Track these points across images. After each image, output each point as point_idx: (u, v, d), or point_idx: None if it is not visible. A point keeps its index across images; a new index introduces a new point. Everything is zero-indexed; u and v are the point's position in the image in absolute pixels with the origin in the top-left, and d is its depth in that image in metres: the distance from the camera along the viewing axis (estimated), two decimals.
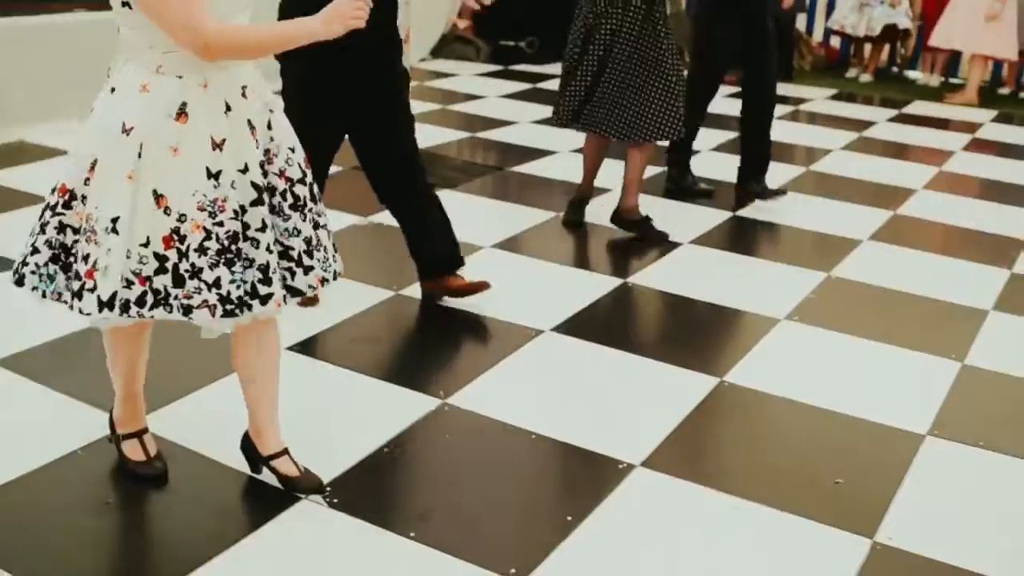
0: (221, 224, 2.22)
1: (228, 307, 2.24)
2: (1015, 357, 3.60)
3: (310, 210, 2.40)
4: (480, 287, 3.73)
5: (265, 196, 2.28)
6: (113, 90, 2.22)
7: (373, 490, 2.62)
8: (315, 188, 2.44)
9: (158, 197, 2.18)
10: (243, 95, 2.26)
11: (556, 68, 8.60)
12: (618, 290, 4.02)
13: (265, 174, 2.30)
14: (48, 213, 2.27)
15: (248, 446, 2.57)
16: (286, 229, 2.35)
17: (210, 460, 2.65)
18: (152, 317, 2.24)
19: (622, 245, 4.59)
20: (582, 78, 4.36)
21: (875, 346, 3.62)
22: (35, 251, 2.28)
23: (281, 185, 2.34)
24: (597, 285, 4.04)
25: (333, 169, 3.79)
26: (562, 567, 2.34)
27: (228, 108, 2.22)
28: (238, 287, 2.24)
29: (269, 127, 2.33)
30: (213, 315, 2.23)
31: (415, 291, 3.83)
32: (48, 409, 2.80)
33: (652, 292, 4.05)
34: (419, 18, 8.03)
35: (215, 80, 2.21)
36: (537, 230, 4.63)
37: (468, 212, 4.80)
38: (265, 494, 2.54)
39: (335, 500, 2.52)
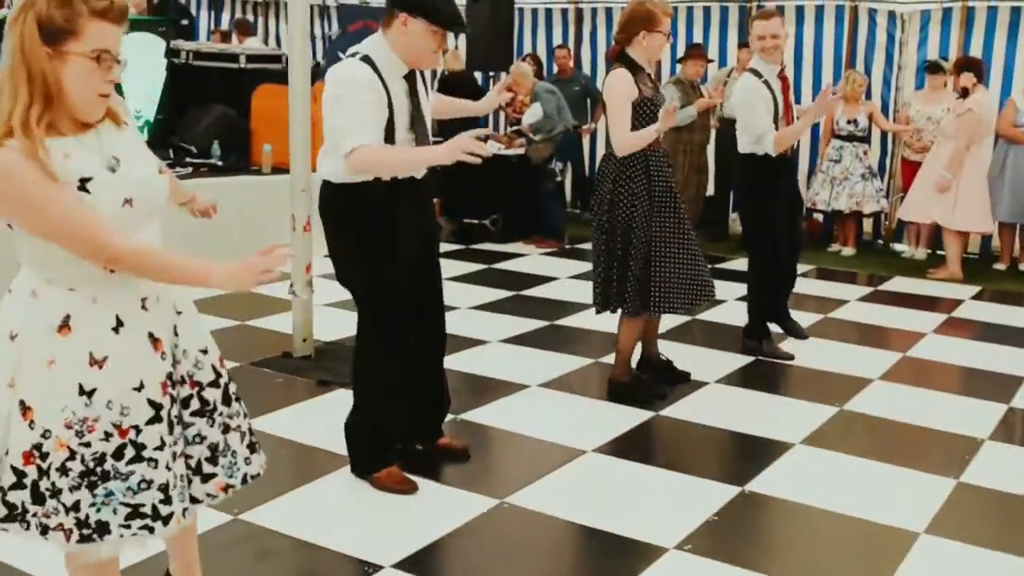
0: (88, 445, 2.10)
1: (85, 531, 2.11)
2: (1005, 477, 4.04)
3: (220, 414, 2.34)
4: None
5: (163, 413, 2.19)
6: (10, 291, 2.17)
7: None
8: (230, 388, 2.38)
9: (25, 409, 2.09)
10: (143, 307, 2.18)
11: (518, 247, 8.44)
12: (651, 420, 4.55)
13: (172, 385, 2.23)
14: None
15: None
16: (184, 436, 2.29)
17: None
18: (5, 531, 2.14)
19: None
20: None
21: (879, 465, 4.10)
22: None
23: (185, 392, 2.28)
24: (631, 417, 4.57)
25: None
26: None
27: (120, 323, 2.14)
28: (98, 510, 2.12)
29: (176, 333, 2.27)
30: (68, 539, 2.11)
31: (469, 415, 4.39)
32: None
33: (680, 422, 4.57)
34: None
35: (106, 294, 2.12)
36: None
37: None
38: None
39: None
